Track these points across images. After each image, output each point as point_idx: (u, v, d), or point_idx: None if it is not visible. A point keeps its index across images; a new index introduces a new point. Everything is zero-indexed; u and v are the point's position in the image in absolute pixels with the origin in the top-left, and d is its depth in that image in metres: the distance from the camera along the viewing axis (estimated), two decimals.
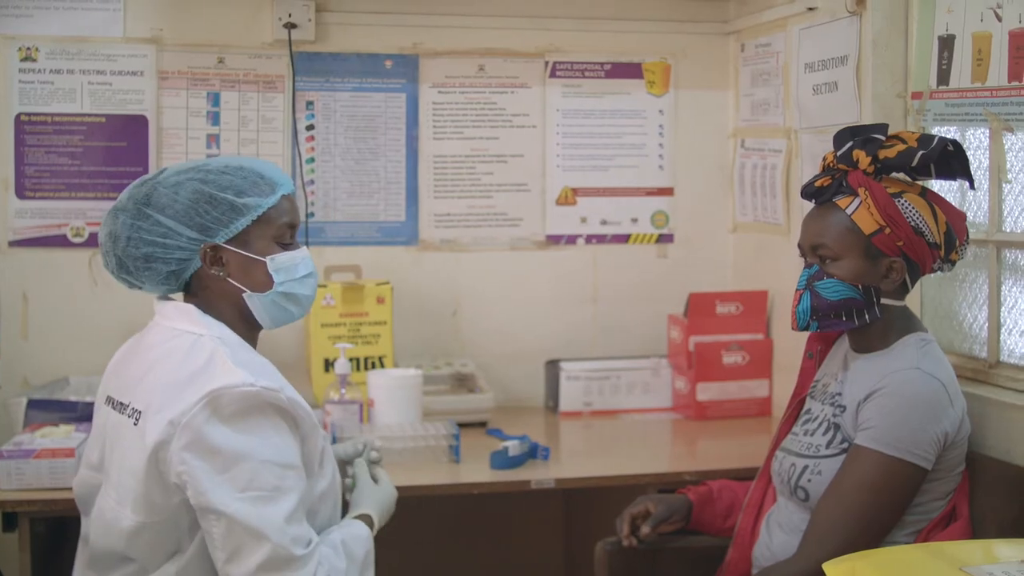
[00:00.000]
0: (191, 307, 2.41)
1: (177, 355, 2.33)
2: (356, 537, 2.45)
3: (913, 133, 2.67)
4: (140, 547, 2.31)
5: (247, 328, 2.46)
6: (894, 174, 2.68)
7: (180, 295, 2.48)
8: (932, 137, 2.63)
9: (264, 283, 2.42)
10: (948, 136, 2.65)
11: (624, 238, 4.29)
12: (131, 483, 2.28)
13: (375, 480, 2.69)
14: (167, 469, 2.23)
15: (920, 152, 2.60)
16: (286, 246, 2.45)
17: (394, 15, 4.05)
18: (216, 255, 2.39)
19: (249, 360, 2.35)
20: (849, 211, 2.62)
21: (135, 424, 2.30)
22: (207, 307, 2.42)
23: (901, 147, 2.63)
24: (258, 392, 2.25)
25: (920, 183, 2.71)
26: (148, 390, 2.31)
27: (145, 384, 2.33)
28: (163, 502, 2.26)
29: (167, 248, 2.36)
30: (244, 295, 2.41)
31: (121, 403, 2.38)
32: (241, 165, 2.43)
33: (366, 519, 2.54)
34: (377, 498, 2.63)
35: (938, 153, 2.59)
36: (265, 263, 2.41)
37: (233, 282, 2.40)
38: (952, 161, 2.63)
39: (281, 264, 2.43)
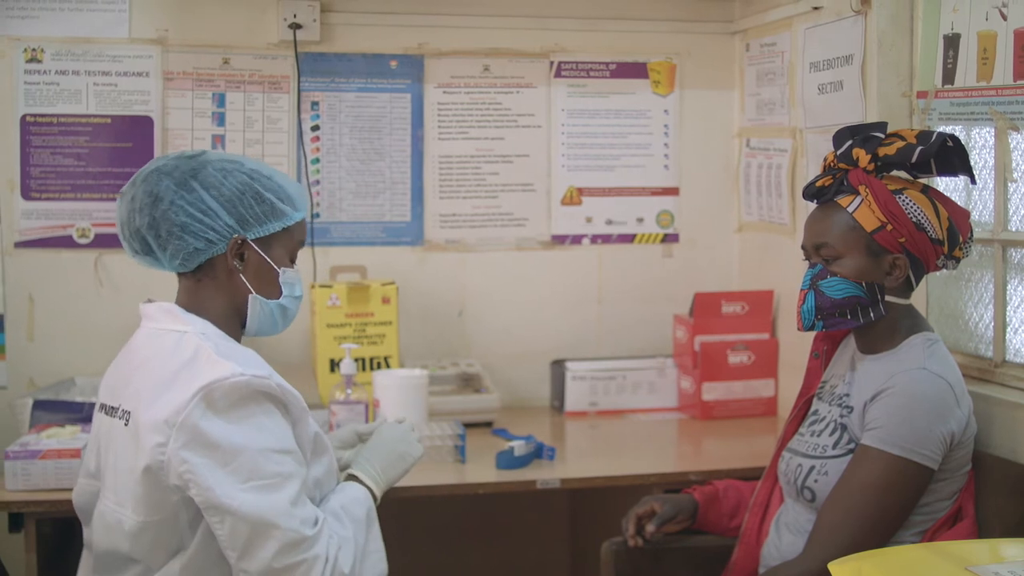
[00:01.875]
0: (172, 305, 2.43)
1: (162, 353, 2.34)
2: (354, 500, 2.47)
3: (912, 130, 2.68)
4: (143, 547, 2.32)
5: (234, 326, 2.47)
6: (895, 172, 2.69)
7: (160, 299, 2.48)
8: (931, 133, 2.63)
9: (271, 291, 2.47)
10: (955, 135, 2.64)
11: (629, 238, 4.29)
12: (129, 484, 2.29)
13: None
14: (167, 470, 2.23)
15: (919, 148, 2.60)
16: (291, 263, 2.51)
17: (399, 15, 4.06)
18: (241, 249, 2.41)
19: (233, 351, 2.36)
20: (851, 209, 2.62)
21: (126, 425, 2.32)
22: (202, 296, 2.43)
23: (900, 144, 2.63)
24: (248, 381, 2.26)
25: (922, 181, 2.71)
26: (136, 390, 2.32)
27: (133, 385, 2.34)
28: (162, 500, 2.27)
29: (203, 226, 2.37)
30: (250, 296, 2.44)
31: (112, 407, 2.39)
32: (276, 175, 2.47)
33: (355, 479, 2.55)
34: (367, 455, 2.62)
35: (937, 148, 2.59)
36: (279, 273, 2.46)
37: (245, 280, 2.43)
38: (952, 157, 2.63)
39: (289, 279, 2.49)
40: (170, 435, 2.21)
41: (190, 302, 2.44)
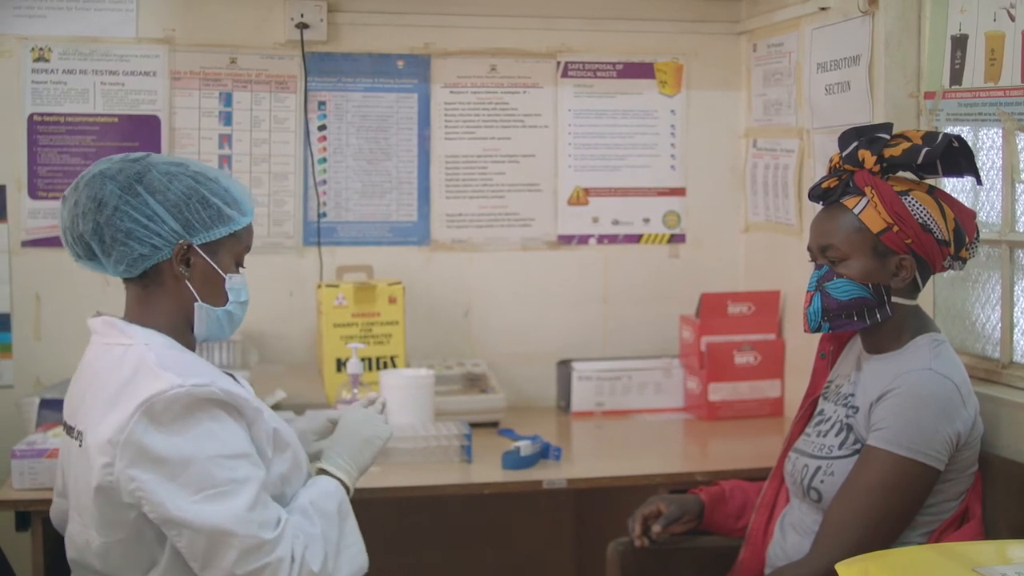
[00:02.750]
0: (114, 319, 2.38)
1: (106, 370, 2.31)
2: (324, 494, 2.43)
3: (918, 131, 2.67)
4: (113, 565, 2.30)
5: (182, 331, 2.42)
6: (901, 173, 2.68)
7: (105, 310, 2.47)
8: (937, 134, 2.62)
9: (217, 298, 2.42)
10: (961, 136, 2.64)
11: (636, 238, 4.29)
12: (87, 504, 2.27)
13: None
14: (118, 489, 2.20)
15: (925, 149, 2.59)
16: (238, 268, 2.46)
17: (406, 15, 4.06)
18: (186, 255, 2.36)
19: (175, 360, 2.30)
20: (856, 211, 2.62)
21: (80, 446, 2.30)
22: (149, 303, 2.39)
23: (906, 145, 2.63)
24: (188, 391, 2.21)
25: (928, 182, 2.71)
26: (87, 410, 2.30)
27: (85, 404, 2.32)
28: (119, 519, 2.24)
29: (148, 231, 2.32)
30: (196, 303, 2.39)
31: (70, 427, 2.38)
32: (222, 178, 2.42)
33: (324, 472, 2.52)
34: (334, 446, 2.59)
35: (943, 149, 2.59)
36: (224, 279, 2.41)
37: (191, 287, 2.38)
38: (959, 158, 2.63)
39: (235, 284, 2.43)
40: (115, 454, 2.18)
41: (137, 310, 2.39)
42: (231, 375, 2.44)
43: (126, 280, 2.41)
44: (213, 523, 2.18)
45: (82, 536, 2.32)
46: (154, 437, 2.18)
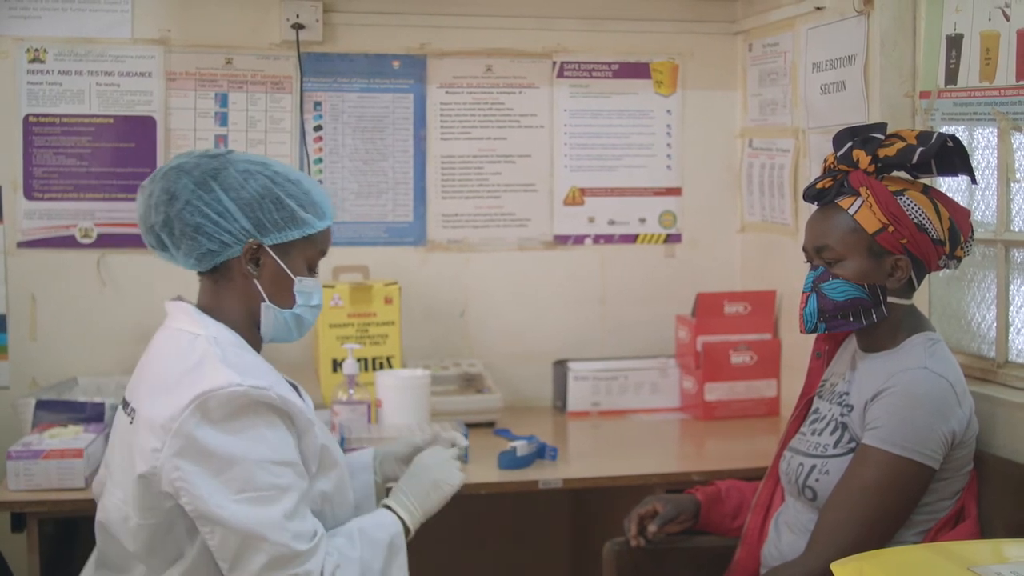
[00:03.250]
0: (189, 305, 2.41)
1: (172, 355, 2.33)
2: (377, 524, 2.45)
3: (912, 131, 2.67)
4: (142, 548, 2.31)
5: (250, 329, 2.44)
6: (895, 172, 2.68)
7: (168, 300, 2.49)
8: (931, 134, 2.63)
9: (285, 300, 2.43)
10: (956, 135, 2.64)
11: (632, 238, 4.29)
12: (128, 483, 2.29)
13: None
14: (159, 475, 2.22)
15: (920, 149, 2.60)
16: (311, 272, 2.47)
17: (401, 15, 4.06)
18: (256, 254, 2.38)
19: (239, 359, 2.32)
20: (852, 211, 2.62)
21: (131, 423, 2.32)
22: (219, 298, 2.42)
23: (901, 145, 2.63)
24: (246, 391, 2.23)
25: (922, 181, 2.70)
26: (145, 388, 2.32)
27: (144, 383, 2.34)
28: (155, 505, 2.26)
29: (217, 228, 2.34)
30: (263, 304, 2.41)
31: (126, 402, 2.40)
32: (303, 180, 2.44)
33: (388, 508, 2.53)
34: (404, 484, 2.59)
35: (937, 149, 2.59)
36: (294, 282, 2.42)
37: (259, 286, 2.40)
38: (953, 157, 2.63)
39: (305, 288, 2.44)
40: (165, 441, 2.20)
41: (209, 303, 2.43)
42: (293, 385, 2.46)
43: (200, 273, 2.44)
44: (248, 525, 2.20)
45: (120, 512, 2.32)
46: (205, 431, 2.21)
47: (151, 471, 2.22)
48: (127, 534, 2.31)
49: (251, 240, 2.36)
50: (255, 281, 2.40)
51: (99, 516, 2.43)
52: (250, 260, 2.38)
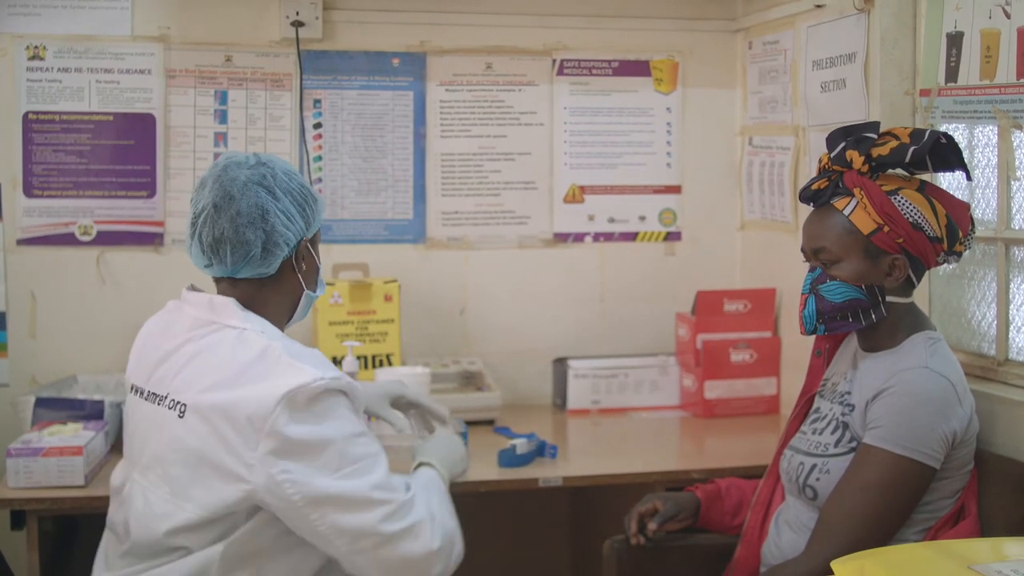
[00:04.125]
0: (230, 300, 2.45)
1: (223, 349, 2.37)
2: (429, 479, 2.63)
3: (906, 128, 2.66)
4: (194, 537, 2.34)
5: (284, 322, 2.54)
6: (891, 171, 2.68)
7: (167, 297, 2.58)
8: (924, 131, 2.62)
9: (315, 285, 2.56)
10: (955, 132, 2.64)
11: (632, 236, 4.29)
12: (187, 476, 2.33)
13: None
14: (251, 472, 2.28)
15: (912, 148, 2.59)
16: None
17: (401, 13, 4.05)
18: (301, 251, 2.49)
19: (301, 352, 2.40)
20: (847, 212, 2.62)
21: (180, 417, 2.34)
22: (263, 296, 2.48)
23: (894, 143, 2.62)
24: (328, 383, 2.32)
25: (919, 178, 2.70)
26: (188, 382, 2.36)
27: (185, 377, 2.38)
28: (225, 495, 2.30)
29: (288, 232, 2.43)
30: (304, 293, 2.52)
31: (155, 394, 2.43)
32: (298, 173, 2.53)
33: (428, 466, 2.74)
34: (433, 451, 2.82)
35: (929, 147, 2.58)
36: (319, 267, 2.57)
37: (301, 279, 2.51)
38: (948, 154, 2.62)
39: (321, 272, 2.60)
40: (257, 440, 2.27)
41: (251, 300, 2.48)
42: None
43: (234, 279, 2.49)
44: (358, 493, 2.32)
45: (165, 507, 2.36)
46: (296, 428, 2.28)
47: (232, 465, 2.28)
48: (174, 527, 2.34)
49: (304, 238, 2.48)
50: (299, 276, 2.50)
51: (120, 511, 2.47)
52: (300, 256, 2.49)
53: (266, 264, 2.42)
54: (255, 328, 2.40)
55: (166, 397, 2.39)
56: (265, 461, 2.26)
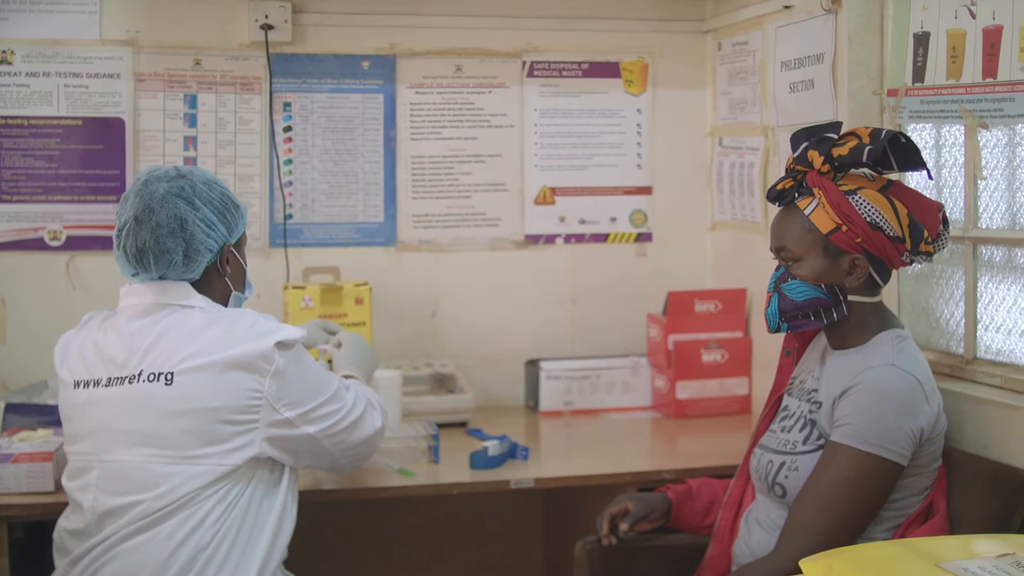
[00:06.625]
0: (183, 282, 2.60)
1: (193, 323, 2.55)
2: (356, 383, 2.90)
3: (867, 128, 2.67)
4: (199, 490, 2.50)
5: None
6: (858, 171, 2.68)
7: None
8: (881, 131, 2.63)
9: (243, 286, 2.74)
10: (921, 132, 2.65)
11: (603, 237, 4.29)
12: (191, 431, 2.49)
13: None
14: (264, 405, 2.54)
15: (868, 147, 2.60)
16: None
17: (371, 16, 4.05)
18: (227, 255, 2.65)
19: (265, 316, 2.63)
20: (807, 212, 2.63)
21: (168, 384, 2.48)
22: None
23: (853, 143, 2.63)
24: (299, 335, 2.59)
25: (887, 178, 2.70)
26: (171, 355, 2.51)
27: (160, 352, 2.52)
28: (221, 432, 2.51)
29: (209, 239, 2.59)
30: (233, 294, 2.69)
31: (121, 377, 2.53)
32: (221, 181, 2.72)
33: (351, 377, 3.04)
34: (349, 359, 3.18)
35: (883, 147, 2.59)
36: (246, 270, 2.73)
37: (229, 282, 2.68)
38: (912, 153, 2.63)
39: (248, 274, 2.79)
40: (263, 383, 2.52)
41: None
42: None
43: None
44: (330, 403, 2.67)
45: (163, 469, 2.49)
46: (294, 366, 2.58)
47: (244, 400, 2.51)
48: (172, 484, 2.49)
49: (227, 244, 2.63)
50: (226, 279, 2.67)
51: (87, 496, 2.56)
52: (224, 261, 2.64)
53: (190, 270, 2.59)
54: (212, 305, 2.62)
55: (140, 375, 2.52)
56: (268, 395, 2.52)
